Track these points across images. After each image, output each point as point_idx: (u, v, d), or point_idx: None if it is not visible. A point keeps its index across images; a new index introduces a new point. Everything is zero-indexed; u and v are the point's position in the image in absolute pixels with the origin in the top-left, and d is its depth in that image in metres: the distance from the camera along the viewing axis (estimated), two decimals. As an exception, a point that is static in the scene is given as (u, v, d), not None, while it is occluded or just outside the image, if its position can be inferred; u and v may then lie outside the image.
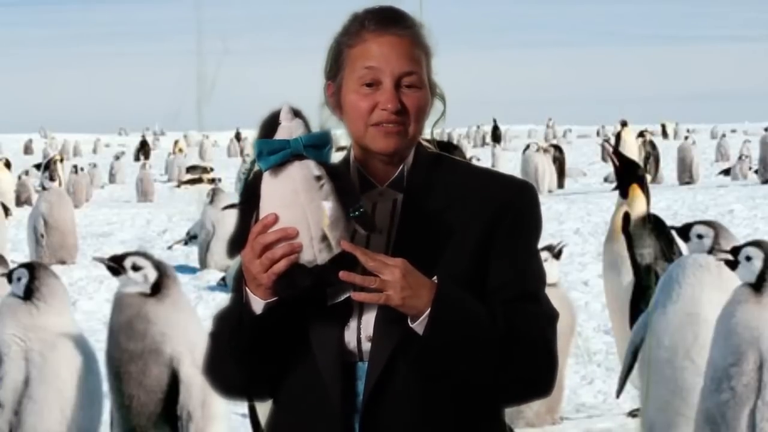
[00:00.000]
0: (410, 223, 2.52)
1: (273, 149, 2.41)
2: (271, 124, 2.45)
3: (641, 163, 19.74)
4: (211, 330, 2.56)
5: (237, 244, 2.44)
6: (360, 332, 2.48)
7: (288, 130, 2.43)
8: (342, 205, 2.41)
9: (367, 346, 2.48)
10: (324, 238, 2.38)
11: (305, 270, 2.38)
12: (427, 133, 2.65)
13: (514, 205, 2.55)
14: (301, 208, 2.38)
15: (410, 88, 2.53)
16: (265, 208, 2.41)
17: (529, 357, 2.47)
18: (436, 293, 2.41)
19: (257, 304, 2.45)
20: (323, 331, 2.49)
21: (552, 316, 2.55)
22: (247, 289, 2.46)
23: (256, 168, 2.47)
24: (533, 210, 2.58)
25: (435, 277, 2.44)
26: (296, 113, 2.45)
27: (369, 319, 2.48)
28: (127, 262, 5.66)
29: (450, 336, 2.42)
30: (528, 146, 28.90)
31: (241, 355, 2.50)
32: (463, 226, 2.51)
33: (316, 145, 2.42)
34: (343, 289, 2.43)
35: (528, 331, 2.48)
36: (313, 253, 2.38)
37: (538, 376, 2.51)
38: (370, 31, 2.53)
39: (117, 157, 40.53)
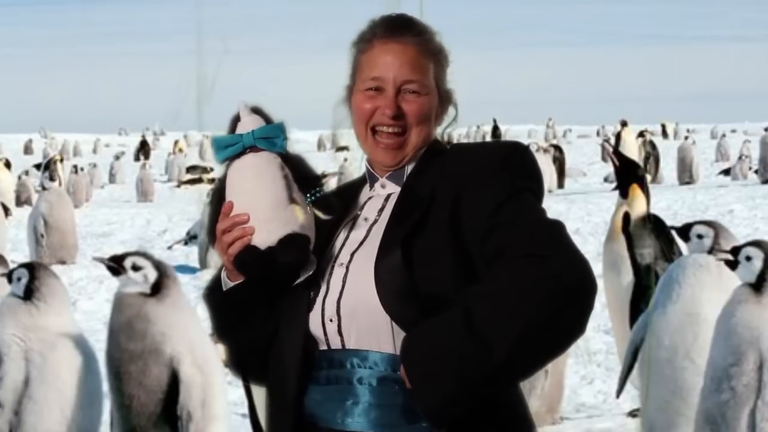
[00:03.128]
0: (396, 212, 2.58)
1: (227, 144, 2.60)
2: (233, 123, 2.63)
3: (641, 163, 19.75)
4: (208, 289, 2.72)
5: (209, 232, 2.62)
6: (324, 314, 2.54)
7: (244, 126, 2.61)
8: (300, 189, 2.58)
9: (330, 327, 2.53)
10: (272, 220, 2.54)
11: (257, 251, 2.53)
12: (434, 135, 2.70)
13: (483, 165, 2.55)
14: (249, 194, 2.56)
15: (411, 94, 2.61)
16: (227, 197, 2.59)
17: (534, 303, 2.34)
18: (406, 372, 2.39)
19: (225, 284, 2.62)
20: (290, 313, 2.59)
21: (549, 224, 2.49)
22: (224, 270, 2.63)
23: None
24: (511, 159, 2.56)
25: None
26: (254, 110, 2.63)
27: (331, 300, 2.54)
28: (127, 262, 5.66)
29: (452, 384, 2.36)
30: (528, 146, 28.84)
31: (220, 328, 2.67)
32: (440, 204, 2.53)
33: (268, 137, 2.59)
34: (302, 268, 2.55)
35: (518, 280, 2.36)
36: (263, 236, 2.53)
37: (564, 307, 2.39)
38: (378, 38, 2.63)
39: (117, 157, 40.53)
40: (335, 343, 2.53)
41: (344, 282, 2.53)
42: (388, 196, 2.64)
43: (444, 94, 2.67)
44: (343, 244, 2.60)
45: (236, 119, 2.62)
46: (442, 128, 2.69)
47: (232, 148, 2.58)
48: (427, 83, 2.62)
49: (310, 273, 2.55)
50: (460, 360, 2.33)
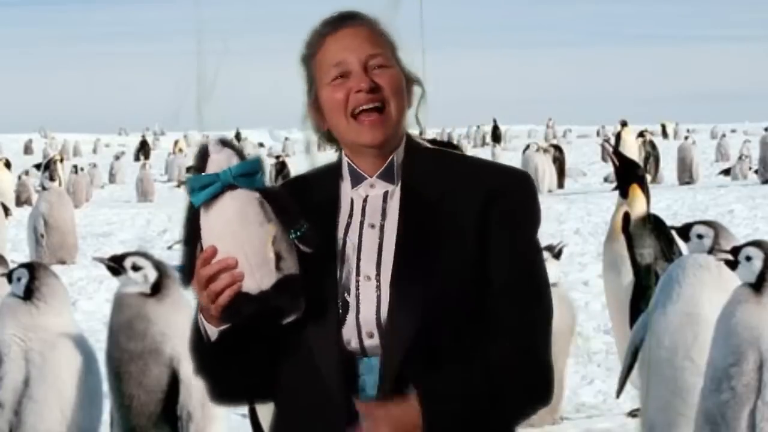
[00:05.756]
0: (409, 218, 2.52)
1: (203, 184, 2.42)
2: (201, 158, 2.46)
3: (641, 163, 19.75)
4: (189, 338, 2.60)
5: (186, 278, 2.47)
6: (360, 329, 2.49)
7: (218, 163, 2.44)
8: (282, 226, 2.44)
9: (368, 342, 2.48)
10: (263, 264, 2.41)
11: (250, 297, 2.41)
12: (412, 121, 2.63)
13: (507, 193, 2.54)
14: (236, 238, 2.41)
15: (380, 68, 2.54)
16: (205, 241, 2.43)
17: (523, 382, 2.53)
18: (423, 412, 2.42)
19: (211, 331, 2.49)
20: (320, 330, 2.50)
21: (546, 319, 2.57)
22: (200, 316, 2.50)
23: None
24: (528, 198, 2.58)
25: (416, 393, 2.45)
26: (225, 143, 2.47)
27: (368, 315, 2.49)
28: (127, 262, 5.66)
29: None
30: (528, 146, 28.97)
31: (211, 371, 2.56)
32: (459, 217, 2.51)
33: (247, 173, 2.43)
34: (295, 310, 2.46)
35: (518, 360, 2.51)
36: (255, 281, 2.41)
37: (534, 395, 2.58)
38: (326, 35, 2.56)
39: (117, 157, 40.57)
40: (374, 354, 2.50)
41: (379, 298, 2.49)
42: (385, 194, 2.56)
43: (407, 73, 2.59)
44: (359, 254, 2.53)
45: (204, 154, 2.46)
46: (413, 110, 2.62)
47: (210, 189, 2.41)
48: (390, 57, 2.56)
49: (300, 313, 2.46)
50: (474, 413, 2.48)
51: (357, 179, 2.58)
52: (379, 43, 2.56)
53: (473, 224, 2.50)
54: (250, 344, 2.51)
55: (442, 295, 2.48)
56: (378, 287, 2.49)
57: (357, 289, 2.50)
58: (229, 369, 2.54)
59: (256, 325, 2.48)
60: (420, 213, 2.52)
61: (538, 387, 2.57)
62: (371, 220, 2.55)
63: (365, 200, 2.57)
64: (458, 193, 2.52)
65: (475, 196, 2.52)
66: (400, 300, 2.47)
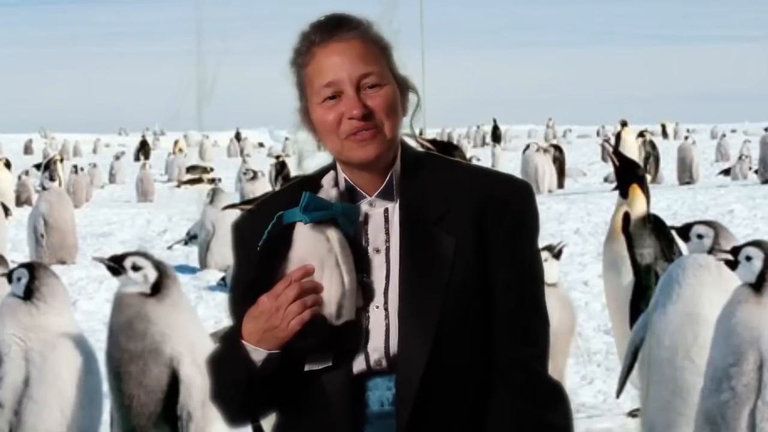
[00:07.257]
0: (411, 242, 2.50)
1: (318, 206, 2.45)
2: (315, 182, 2.52)
3: (641, 163, 19.75)
4: (212, 358, 2.56)
5: (255, 289, 2.45)
6: (368, 357, 2.48)
7: (327, 195, 2.48)
8: (356, 274, 2.48)
9: (376, 368, 2.48)
10: (342, 302, 2.45)
11: (323, 326, 2.43)
12: (406, 125, 2.60)
13: (511, 206, 2.52)
14: (331, 268, 2.44)
15: (372, 88, 2.50)
16: (302, 259, 2.45)
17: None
18: None
19: (258, 354, 2.45)
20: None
21: (547, 331, 2.56)
22: (244, 342, 2.46)
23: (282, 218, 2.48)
24: (531, 209, 2.56)
25: None
26: (336, 184, 2.53)
27: (377, 344, 2.48)
28: (127, 262, 5.66)
29: None
30: (528, 146, 28.94)
31: (244, 398, 2.52)
32: (463, 232, 2.49)
33: (351, 218, 2.49)
34: (352, 353, 2.48)
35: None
36: (330, 313, 2.44)
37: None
38: (316, 45, 2.51)
39: (117, 157, 40.52)
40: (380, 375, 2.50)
41: (388, 326, 2.47)
42: (386, 212, 2.53)
43: (401, 81, 2.54)
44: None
45: (314, 181, 2.53)
46: (408, 117, 2.58)
47: (323, 212, 2.45)
48: (383, 73, 2.50)
49: (329, 364, 2.47)
50: None
51: (354, 197, 2.54)
52: (372, 57, 2.50)
53: (474, 239, 2.49)
54: (287, 372, 2.48)
55: (450, 317, 2.46)
56: (387, 316, 2.48)
57: (366, 318, 2.49)
58: (258, 394, 2.50)
59: (304, 356, 2.46)
60: (422, 234, 2.50)
61: (559, 415, 2.54)
62: (376, 243, 2.52)
63: (366, 220, 2.54)
64: (459, 208, 2.50)
65: (475, 210, 2.50)
66: (410, 330, 2.45)
